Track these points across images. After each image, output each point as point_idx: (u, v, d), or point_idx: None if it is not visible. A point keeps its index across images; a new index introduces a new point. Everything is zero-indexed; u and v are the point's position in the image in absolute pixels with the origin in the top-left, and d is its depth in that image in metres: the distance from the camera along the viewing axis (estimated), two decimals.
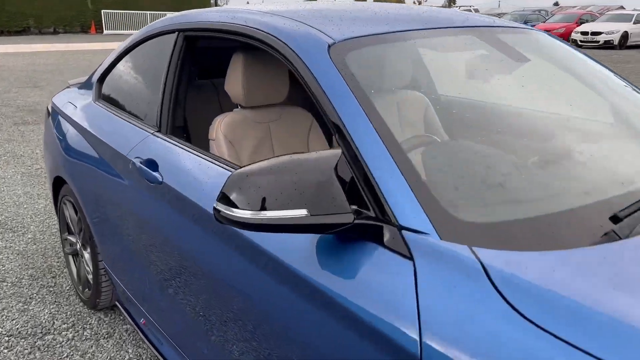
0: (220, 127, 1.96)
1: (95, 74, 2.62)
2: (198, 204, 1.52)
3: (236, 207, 1.07)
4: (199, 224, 1.52)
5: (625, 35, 18.07)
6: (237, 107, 2.09)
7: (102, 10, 26.32)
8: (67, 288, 2.86)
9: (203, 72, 2.88)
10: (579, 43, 18.39)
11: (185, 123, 2.27)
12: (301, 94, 2.76)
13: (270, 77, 2.01)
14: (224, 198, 1.09)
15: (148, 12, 27.66)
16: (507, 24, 1.87)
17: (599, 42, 18.08)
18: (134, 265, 2.01)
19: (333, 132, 1.26)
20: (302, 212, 1.06)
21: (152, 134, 1.93)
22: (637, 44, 18.51)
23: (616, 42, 17.89)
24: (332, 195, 1.08)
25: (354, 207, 1.12)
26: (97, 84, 2.55)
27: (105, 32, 26.47)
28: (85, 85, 2.68)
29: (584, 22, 20.30)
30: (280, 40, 1.48)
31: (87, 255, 2.57)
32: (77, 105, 2.58)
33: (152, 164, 1.80)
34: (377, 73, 1.43)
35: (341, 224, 1.07)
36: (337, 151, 1.14)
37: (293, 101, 2.61)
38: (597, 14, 22.13)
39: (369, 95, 1.30)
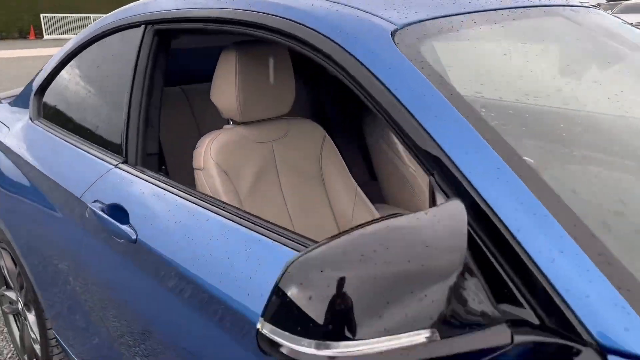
0: (210, 152, 1.44)
1: (33, 84, 2.04)
2: (195, 277, 1.01)
3: (300, 327, 0.58)
4: (193, 305, 1.02)
5: None
6: (229, 123, 1.58)
7: (42, 14, 24.83)
8: (9, 355, 2.26)
9: (167, 75, 2.34)
10: None
11: (161, 149, 1.73)
12: (304, 101, 2.26)
13: (273, 81, 1.51)
14: (273, 309, 0.59)
15: (92, 14, 26.32)
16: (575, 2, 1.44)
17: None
18: (93, 337, 1.47)
19: (427, 169, 0.79)
20: (424, 334, 0.58)
21: (115, 166, 1.40)
22: None
23: None
24: (470, 294, 0.60)
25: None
26: (36, 98, 1.97)
27: (45, 37, 25.00)
28: (20, 100, 2.09)
29: None
30: (313, 30, 0.99)
31: (31, 318, 1.99)
32: (9, 126, 1.99)
33: (118, 212, 1.26)
34: (468, 72, 0.96)
35: (493, 348, 0.59)
36: (459, 205, 0.67)
37: (296, 111, 2.12)
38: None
39: (474, 105, 0.83)
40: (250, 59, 1.46)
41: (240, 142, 1.50)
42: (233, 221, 1.03)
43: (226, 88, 1.46)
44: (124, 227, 1.20)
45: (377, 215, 1.65)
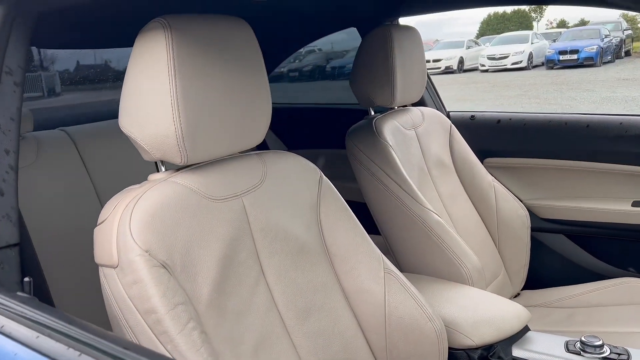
0: (129, 228, 0.72)
1: None
2: None
3: None
4: None
5: (461, 60, 19.44)
6: (159, 170, 0.86)
7: None
8: None
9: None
10: None
11: (26, 237, 0.93)
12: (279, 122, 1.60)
13: (236, 87, 0.84)
14: None
15: None
16: None
17: (440, 67, 19.23)
18: None
19: None
20: None
21: None
22: (472, 68, 20.03)
23: (455, 67, 19.14)
24: None
25: None
26: None
27: None
28: None
29: None
30: None
31: None
32: None
33: None
34: None
35: None
36: None
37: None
38: (432, 43, 23.80)
39: None
40: (195, 44, 0.78)
41: (186, 202, 0.79)
42: None
43: (152, 102, 0.76)
44: None
45: (423, 304, 1.00)
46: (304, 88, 2.76)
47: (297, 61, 2.82)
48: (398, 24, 1.62)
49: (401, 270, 1.38)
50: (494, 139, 1.76)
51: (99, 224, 0.76)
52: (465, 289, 1.21)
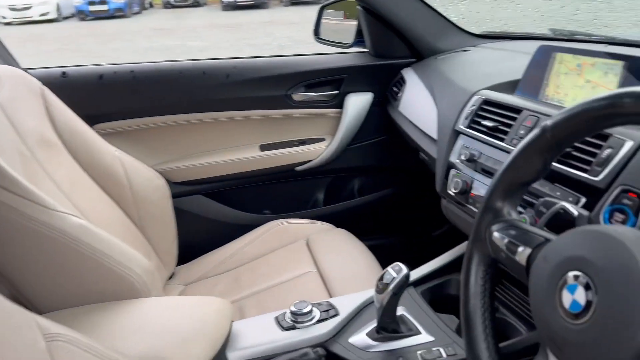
0: None
1: None
2: None
3: None
4: None
5: None
6: None
7: None
8: None
9: None
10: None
11: None
12: None
13: None
14: None
15: None
16: None
17: (32, 16, 15.72)
18: None
19: None
20: None
21: None
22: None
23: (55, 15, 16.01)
24: None
25: None
26: None
27: None
28: None
29: None
30: None
31: None
32: None
33: None
34: None
35: None
36: None
37: None
38: None
39: None
40: None
41: None
42: None
43: None
44: None
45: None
46: None
47: None
48: None
49: (42, 312, 0.94)
50: (100, 100, 1.41)
51: None
52: (146, 304, 0.90)
